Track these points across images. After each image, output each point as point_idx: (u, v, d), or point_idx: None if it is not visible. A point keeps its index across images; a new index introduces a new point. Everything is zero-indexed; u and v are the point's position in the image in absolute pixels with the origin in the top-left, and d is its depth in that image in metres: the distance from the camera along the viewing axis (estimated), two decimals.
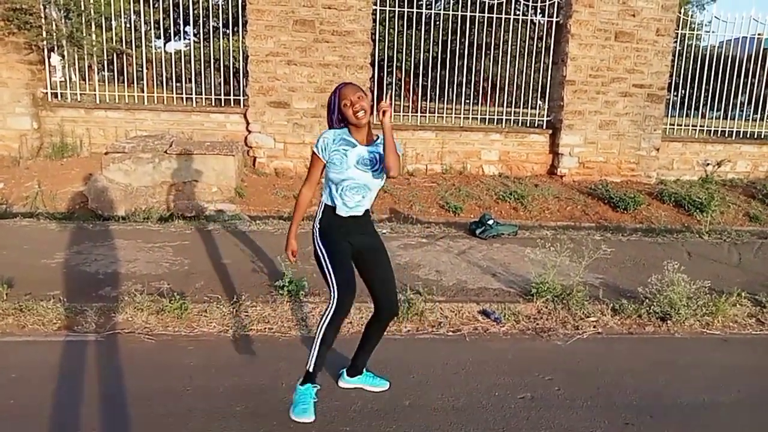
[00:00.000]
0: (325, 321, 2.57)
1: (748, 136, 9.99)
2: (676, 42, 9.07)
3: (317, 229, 2.77)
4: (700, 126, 9.86)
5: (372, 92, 8.44)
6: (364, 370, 3.01)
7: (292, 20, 7.83)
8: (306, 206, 2.86)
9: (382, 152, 2.68)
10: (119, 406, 2.76)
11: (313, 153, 2.73)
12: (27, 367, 3.09)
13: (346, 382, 3.01)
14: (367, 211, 2.79)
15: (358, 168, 2.67)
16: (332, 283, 2.61)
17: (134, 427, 2.60)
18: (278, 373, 3.12)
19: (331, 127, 2.73)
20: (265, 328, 3.69)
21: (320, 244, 2.74)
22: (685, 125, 9.94)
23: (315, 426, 2.64)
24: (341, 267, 2.65)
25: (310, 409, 2.60)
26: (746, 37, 9.71)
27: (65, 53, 8.25)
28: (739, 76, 9.78)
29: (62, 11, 8.42)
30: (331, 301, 2.58)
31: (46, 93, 8.20)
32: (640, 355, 3.61)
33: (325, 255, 2.69)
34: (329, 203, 2.74)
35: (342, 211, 2.71)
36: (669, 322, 4.05)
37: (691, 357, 3.63)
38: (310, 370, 2.63)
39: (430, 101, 10.18)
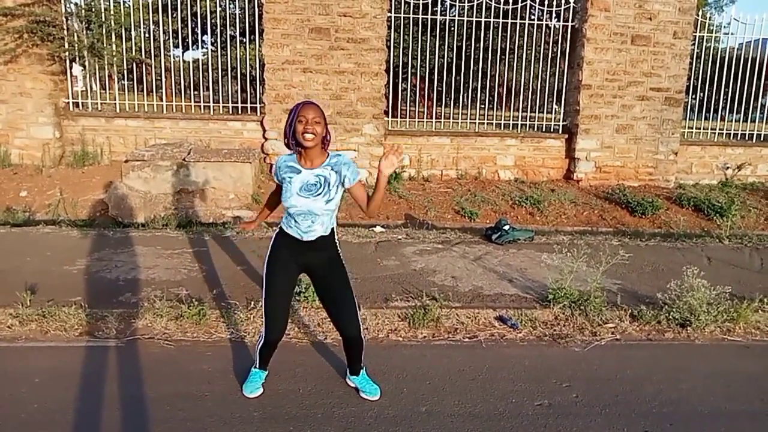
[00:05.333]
0: (258, 345, 2.96)
1: None
2: (694, 44, 8.98)
3: (270, 248, 2.86)
4: (720, 129, 9.71)
5: (387, 99, 8.47)
6: (362, 372, 3.05)
7: (307, 28, 7.91)
8: (269, 204, 3.09)
9: (331, 175, 2.67)
10: (139, 411, 2.80)
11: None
12: (49, 372, 3.15)
13: (349, 380, 3.09)
14: (323, 237, 2.75)
15: (301, 195, 2.66)
16: (263, 314, 2.81)
17: None
18: (295, 379, 3.14)
19: (286, 142, 2.69)
20: None
21: (265, 266, 2.84)
22: (704, 128, 9.81)
23: (331, 431, 2.67)
24: (273, 302, 2.78)
25: (258, 388, 2.99)
26: (766, 39, 9.56)
27: (86, 63, 8.42)
28: (759, 77, 9.63)
29: (83, 23, 8.61)
30: (262, 332, 2.86)
31: (68, 103, 8.38)
32: (660, 362, 3.56)
33: (264, 283, 2.81)
34: (284, 226, 2.81)
35: (296, 235, 2.74)
36: (689, 328, 3.99)
37: (712, 364, 3.58)
38: (257, 365, 3.01)
39: (445, 107, 10.19)
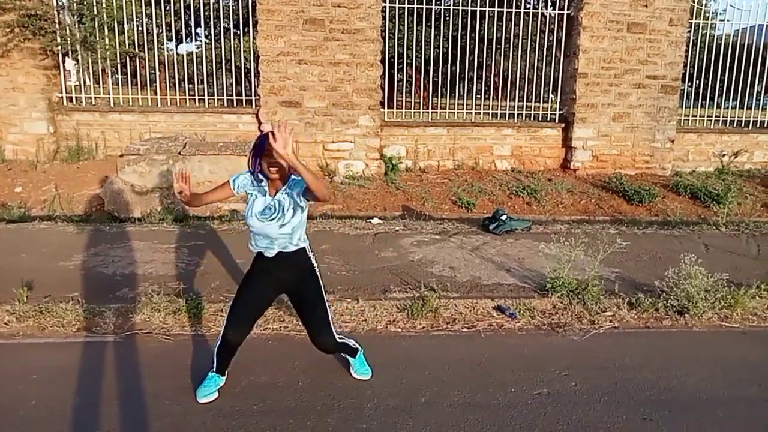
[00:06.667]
0: (216, 346, 2.86)
1: (765, 125, 9.82)
2: (690, 32, 8.94)
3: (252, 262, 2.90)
4: (716, 116, 9.70)
5: (383, 90, 8.43)
6: (359, 354, 3.11)
7: (302, 19, 7.85)
8: (203, 196, 2.83)
9: (284, 199, 2.65)
10: (138, 406, 2.80)
11: (227, 181, 2.79)
12: (47, 369, 3.14)
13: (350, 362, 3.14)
14: (288, 253, 2.74)
15: (258, 218, 2.68)
16: (225, 321, 2.82)
17: (153, 426, 2.64)
18: (294, 372, 3.14)
19: (251, 170, 2.68)
20: (281, 327, 3.71)
21: (244, 275, 2.92)
22: (700, 116, 9.80)
23: (332, 423, 2.67)
24: (237, 312, 2.79)
25: (212, 393, 2.86)
26: (762, 25, 9.54)
27: (79, 57, 8.35)
28: (755, 64, 9.61)
29: (76, 16, 8.52)
30: (220, 336, 2.83)
31: (62, 97, 8.31)
32: (658, 350, 3.57)
33: (236, 294, 2.86)
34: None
35: (264, 252, 2.77)
36: (687, 315, 4.00)
37: (710, 351, 3.59)
38: (214, 369, 2.90)
39: (441, 97, 10.15)
